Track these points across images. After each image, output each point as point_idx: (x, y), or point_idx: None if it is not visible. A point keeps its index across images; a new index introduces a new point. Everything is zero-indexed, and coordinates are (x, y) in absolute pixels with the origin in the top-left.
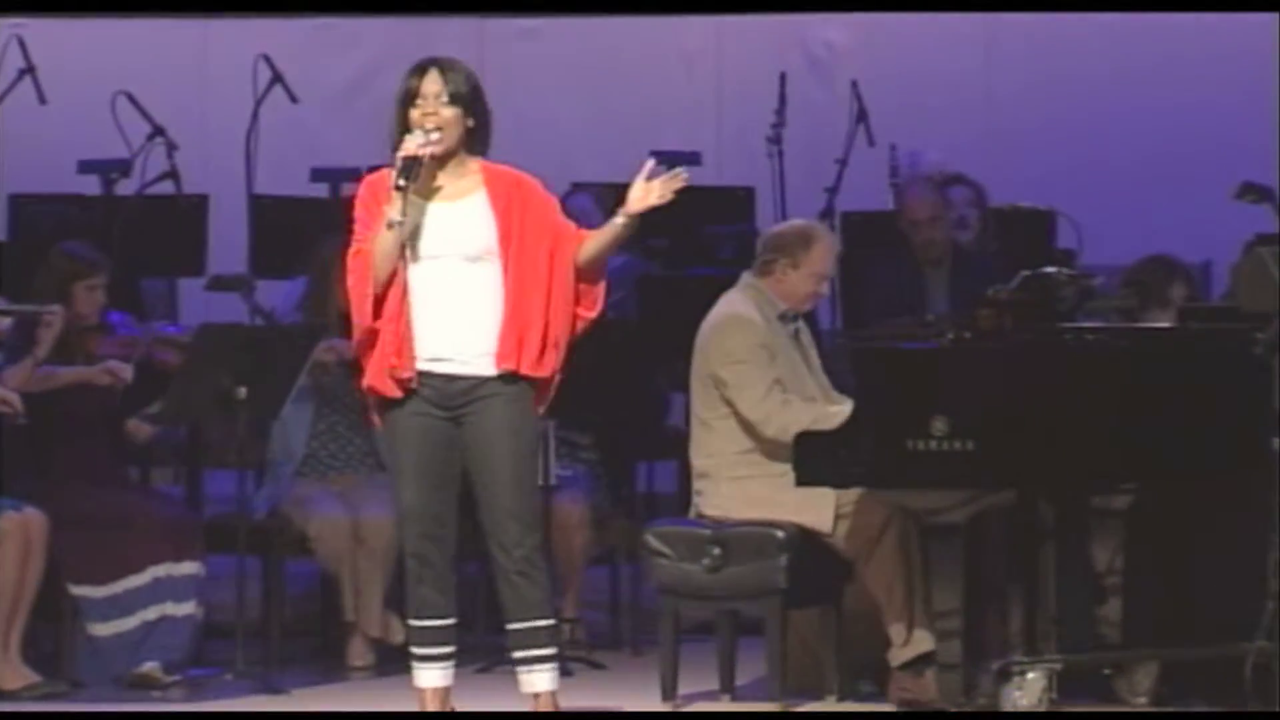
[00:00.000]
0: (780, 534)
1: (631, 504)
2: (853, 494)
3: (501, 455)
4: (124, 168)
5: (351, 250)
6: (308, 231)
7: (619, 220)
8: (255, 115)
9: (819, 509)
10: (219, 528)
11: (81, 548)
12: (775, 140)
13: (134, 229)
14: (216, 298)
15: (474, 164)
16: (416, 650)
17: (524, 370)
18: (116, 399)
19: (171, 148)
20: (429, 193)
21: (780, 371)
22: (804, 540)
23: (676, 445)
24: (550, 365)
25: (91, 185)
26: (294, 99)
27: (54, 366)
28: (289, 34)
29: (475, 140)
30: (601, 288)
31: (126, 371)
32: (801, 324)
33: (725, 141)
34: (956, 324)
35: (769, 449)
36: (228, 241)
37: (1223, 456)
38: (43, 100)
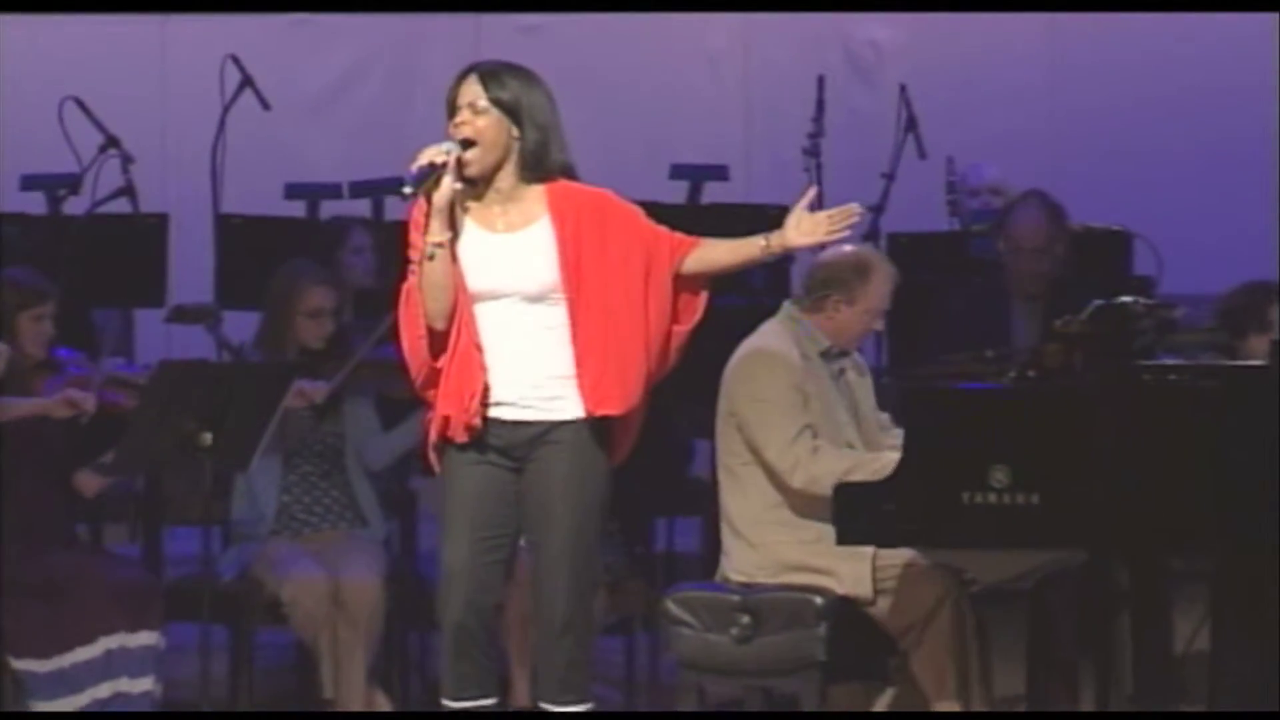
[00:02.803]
0: (819, 600)
1: (649, 565)
2: (898, 561)
3: (558, 508)
4: (73, 183)
5: (404, 289)
6: (281, 255)
7: (763, 244)
8: (222, 123)
9: (855, 575)
10: (180, 592)
11: (23, 617)
12: (812, 152)
13: (85, 253)
14: (178, 331)
15: (539, 187)
16: None
17: (597, 412)
18: (62, 445)
19: (127, 160)
20: (489, 221)
21: (814, 417)
22: (846, 606)
23: (700, 498)
24: (629, 403)
25: (36, 203)
26: (266, 105)
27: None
28: (260, 31)
29: (531, 158)
30: (703, 298)
31: (89, 402)
32: (851, 360)
33: (755, 153)
34: (1020, 361)
35: (799, 504)
36: (191, 267)
37: None
38: None
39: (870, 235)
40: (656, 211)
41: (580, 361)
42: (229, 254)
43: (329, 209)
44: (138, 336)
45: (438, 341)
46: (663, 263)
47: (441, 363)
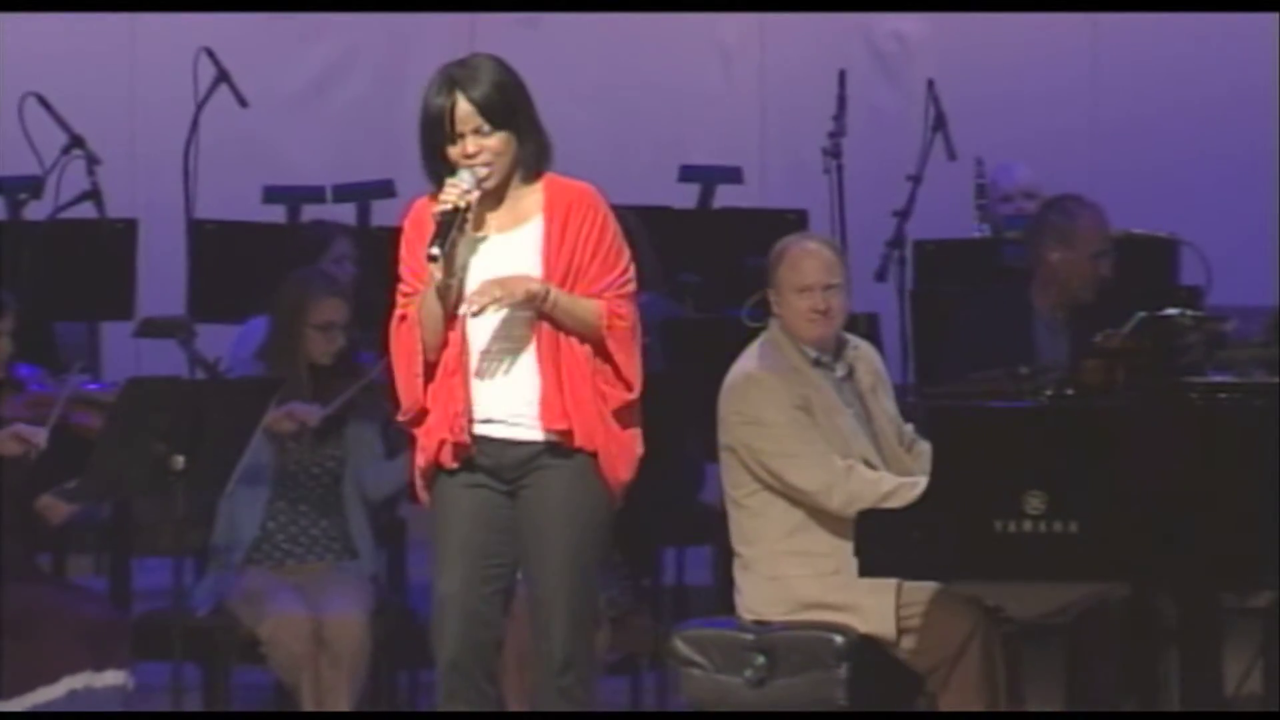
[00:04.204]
0: (839, 639)
1: (657, 599)
2: (923, 596)
3: (554, 537)
4: (35, 186)
5: (396, 313)
6: (260, 264)
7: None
8: (195, 122)
9: (878, 611)
10: (150, 628)
11: None
12: (832, 152)
13: (47, 261)
14: (148, 346)
15: (535, 183)
16: None
17: (577, 439)
18: (25, 472)
19: (93, 162)
20: (481, 224)
21: (824, 433)
22: (868, 645)
23: (712, 526)
24: (609, 435)
25: None
26: (243, 102)
27: None
28: (236, 23)
29: (532, 160)
30: (623, 368)
31: (39, 437)
32: (864, 364)
33: (771, 154)
34: (1057, 378)
35: (817, 533)
36: (161, 277)
37: None
38: None
39: (895, 242)
40: (666, 217)
41: (546, 376)
42: (203, 263)
43: (311, 214)
44: (104, 352)
45: (430, 374)
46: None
47: (434, 387)
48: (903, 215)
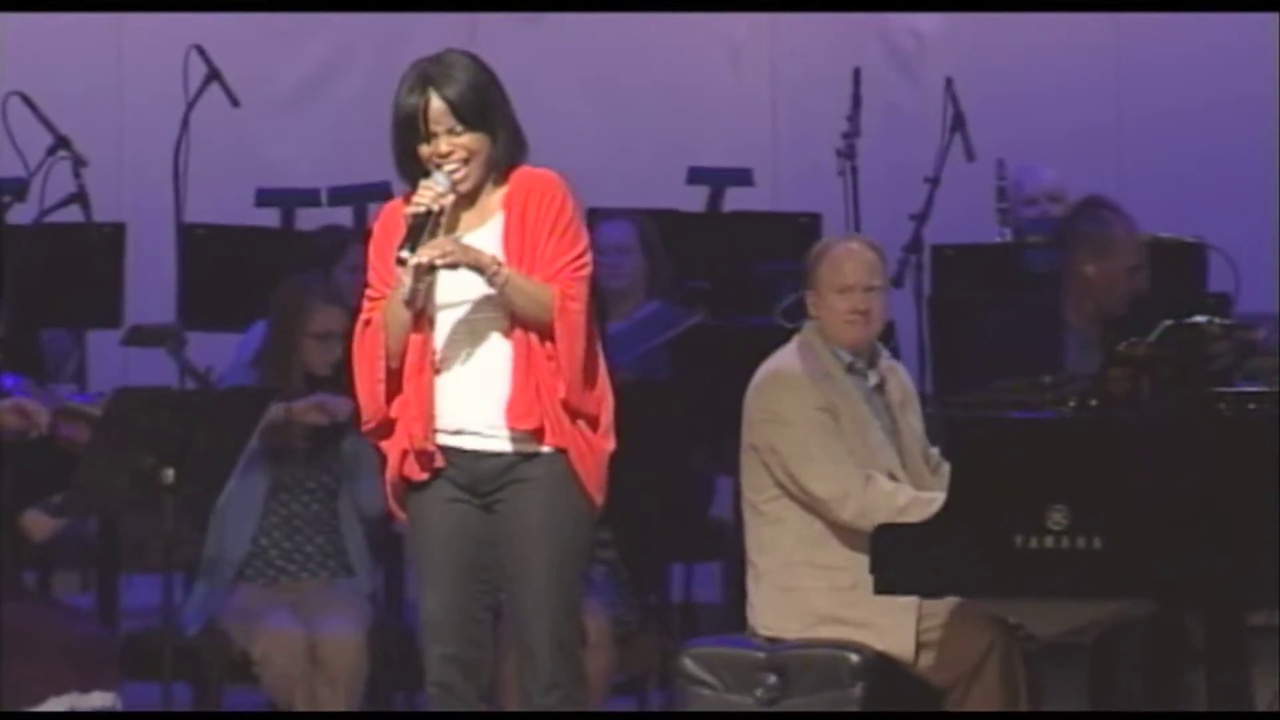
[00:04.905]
0: (854, 657)
1: (664, 617)
2: (941, 611)
3: (534, 556)
4: (18, 189)
5: (361, 317)
6: (253, 269)
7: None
8: (186, 122)
9: (898, 631)
10: (139, 647)
11: None
12: (847, 154)
13: (32, 267)
14: (137, 355)
15: (505, 180)
16: None
17: (548, 436)
18: (5, 482)
19: (79, 164)
20: (453, 225)
21: (850, 440)
22: (884, 664)
23: (721, 541)
24: (575, 430)
25: None
26: (235, 102)
27: None
28: (228, 21)
29: (504, 158)
30: (563, 359)
31: (42, 416)
32: (895, 379)
33: (783, 155)
34: (1080, 388)
35: (835, 545)
36: (151, 283)
37: None
38: None
39: (912, 246)
40: (673, 221)
41: (516, 377)
42: (193, 268)
43: (305, 218)
44: (91, 361)
45: (394, 382)
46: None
47: (400, 398)
48: (920, 219)
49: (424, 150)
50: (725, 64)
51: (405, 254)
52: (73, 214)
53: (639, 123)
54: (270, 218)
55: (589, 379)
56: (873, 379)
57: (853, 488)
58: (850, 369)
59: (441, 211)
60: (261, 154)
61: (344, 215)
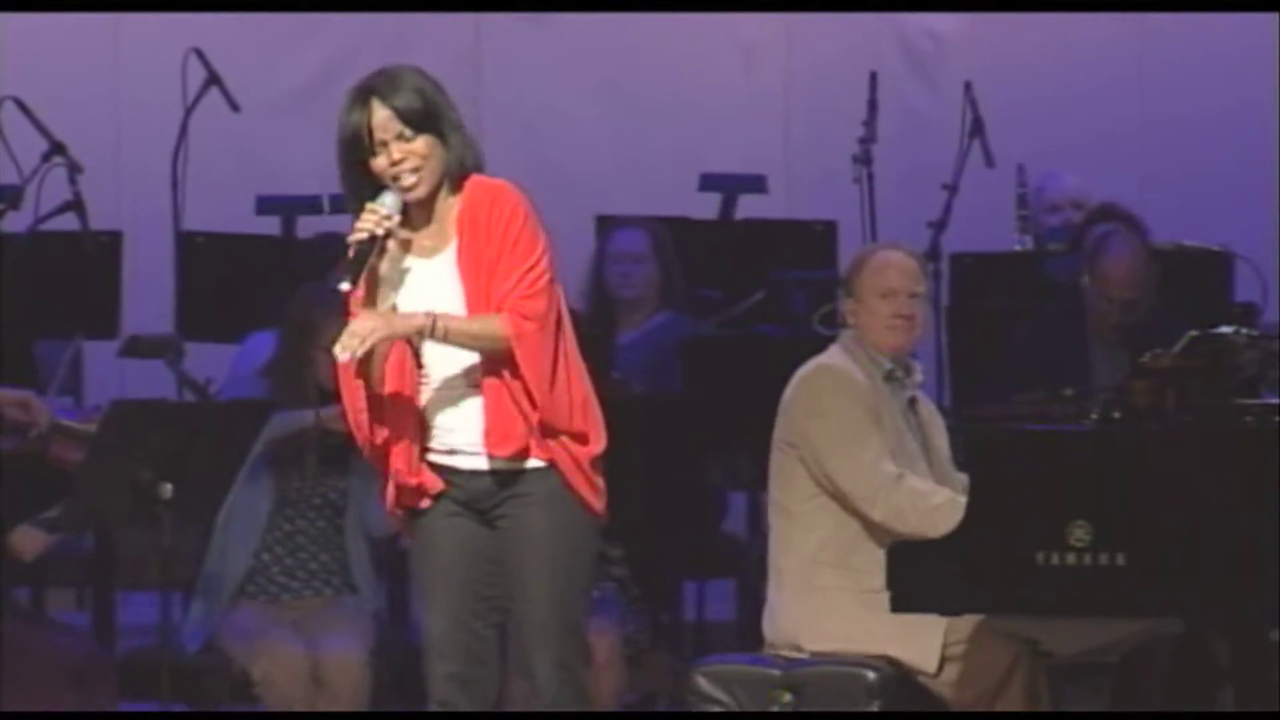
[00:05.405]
0: (871, 675)
1: (675, 635)
2: (965, 626)
3: (536, 573)
4: (13, 196)
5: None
6: (253, 279)
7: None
8: (184, 128)
9: (923, 642)
10: (136, 667)
11: None
12: (863, 160)
13: (26, 276)
14: (134, 366)
15: (460, 192)
16: None
17: (533, 454)
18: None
19: (75, 170)
20: (413, 242)
21: (890, 443)
22: (903, 682)
23: (735, 558)
24: (562, 447)
25: None
26: (235, 106)
27: None
28: (227, 23)
29: (456, 166)
30: (531, 384)
31: (43, 416)
32: (921, 399)
33: (797, 161)
34: (1103, 400)
35: (865, 554)
36: (148, 293)
37: None
38: None
39: (930, 255)
40: (685, 229)
41: (488, 398)
42: (192, 278)
43: (307, 226)
44: (87, 373)
45: (379, 409)
46: None
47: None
48: (938, 227)
49: (377, 164)
50: (738, 67)
51: (345, 285)
52: (68, 222)
53: (649, 127)
54: (271, 225)
55: (563, 392)
56: (909, 390)
57: (882, 484)
58: (889, 377)
59: (388, 235)
60: (262, 160)
61: (346, 223)
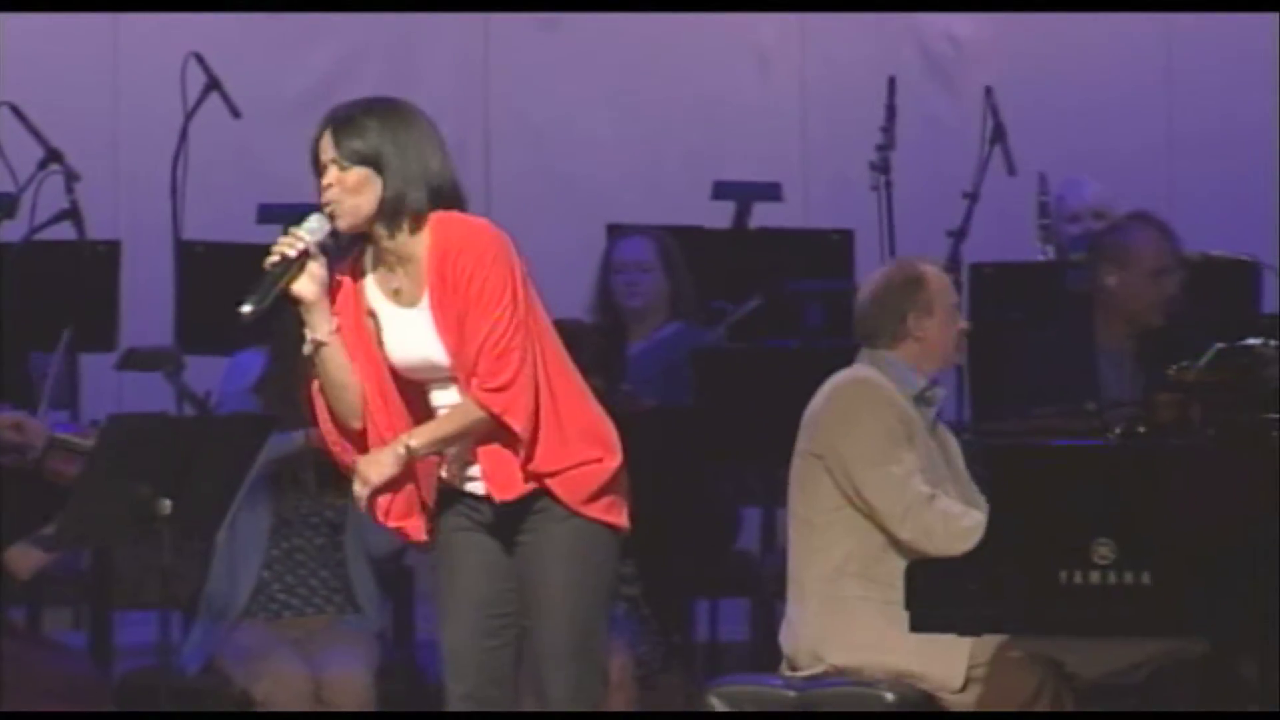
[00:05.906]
0: (890, 695)
1: (688, 655)
2: (988, 646)
3: (555, 592)
4: (8, 205)
5: (315, 383)
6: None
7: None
8: (184, 134)
9: (948, 658)
10: (135, 688)
11: None
12: (881, 167)
13: (22, 286)
14: (132, 379)
15: (423, 238)
16: None
17: (499, 498)
18: None
19: (72, 178)
20: (392, 290)
21: (921, 463)
22: (923, 702)
23: (749, 576)
24: (567, 479)
25: None
26: (236, 113)
27: None
28: (228, 26)
29: (389, 206)
30: (525, 443)
31: (40, 438)
32: (939, 422)
33: (813, 168)
34: (1127, 414)
35: (891, 567)
36: (147, 304)
37: None
38: None
39: (950, 265)
40: (698, 237)
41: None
42: (192, 288)
43: None
44: (84, 386)
45: (360, 444)
46: None
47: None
48: (958, 236)
49: (321, 184)
50: (753, 71)
51: (247, 308)
52: (65, 231)
53: (661, 133)
54: (273, 235)
55: (554, 431)
56: (933, 413)
57: (912, 503)
58: (919, 397)
59: (304, 257)
60: (264, 167)
61: None
